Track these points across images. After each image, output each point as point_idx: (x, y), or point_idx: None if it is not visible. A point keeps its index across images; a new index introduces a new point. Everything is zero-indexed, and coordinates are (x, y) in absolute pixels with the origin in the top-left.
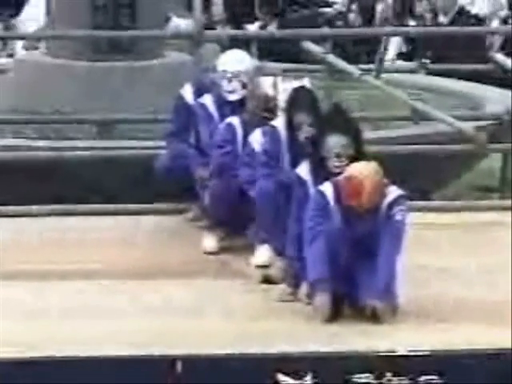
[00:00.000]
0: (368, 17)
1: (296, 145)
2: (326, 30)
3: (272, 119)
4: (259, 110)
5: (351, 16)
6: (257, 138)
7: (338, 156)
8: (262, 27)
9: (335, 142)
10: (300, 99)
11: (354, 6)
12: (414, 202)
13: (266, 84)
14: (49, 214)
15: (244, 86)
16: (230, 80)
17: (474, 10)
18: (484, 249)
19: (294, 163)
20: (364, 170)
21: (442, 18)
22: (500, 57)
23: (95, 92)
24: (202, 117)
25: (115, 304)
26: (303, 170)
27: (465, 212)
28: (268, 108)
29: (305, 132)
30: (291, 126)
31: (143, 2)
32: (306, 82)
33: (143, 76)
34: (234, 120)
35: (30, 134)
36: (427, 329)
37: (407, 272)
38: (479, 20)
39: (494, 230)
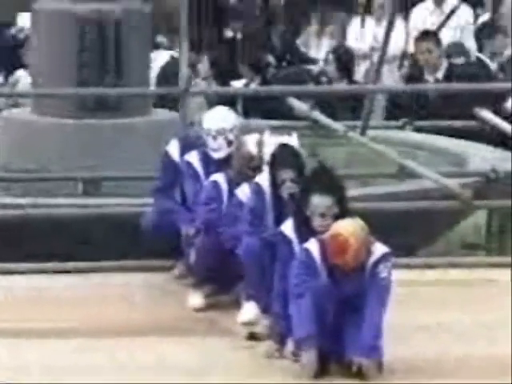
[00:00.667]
0: (346, 72)
1: (280, 201)
2: (309, 87)
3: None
4: (244, 168)
5: (329, 70)
6: (244, 191)
7: (323, 216)
8: (247, 84)
9: (320, 202)
10: (283, 156)
11: (330, 57)
12: (401, 259)
13: (251, 142)
14: (39, 272)
15: (229, 143)
16: (214, 138)
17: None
18: (475, 306)
19: (279, 220)
20: (349, 228)
21: (428, 77)
22: (484, 113)
23: (82, 149)
24: (187, 174)
25: (110, 363)
26: (288, 227)
27: (451, 269)
28: (253, 166)
29: (288, 188)
30: (275, 183)
31: (129, 59)
32: (294, 137)
33: (130, 133)
34: (219, 177)
35: (16, 192)
36: None
37: (397, 329)
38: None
39: (483, 287)
